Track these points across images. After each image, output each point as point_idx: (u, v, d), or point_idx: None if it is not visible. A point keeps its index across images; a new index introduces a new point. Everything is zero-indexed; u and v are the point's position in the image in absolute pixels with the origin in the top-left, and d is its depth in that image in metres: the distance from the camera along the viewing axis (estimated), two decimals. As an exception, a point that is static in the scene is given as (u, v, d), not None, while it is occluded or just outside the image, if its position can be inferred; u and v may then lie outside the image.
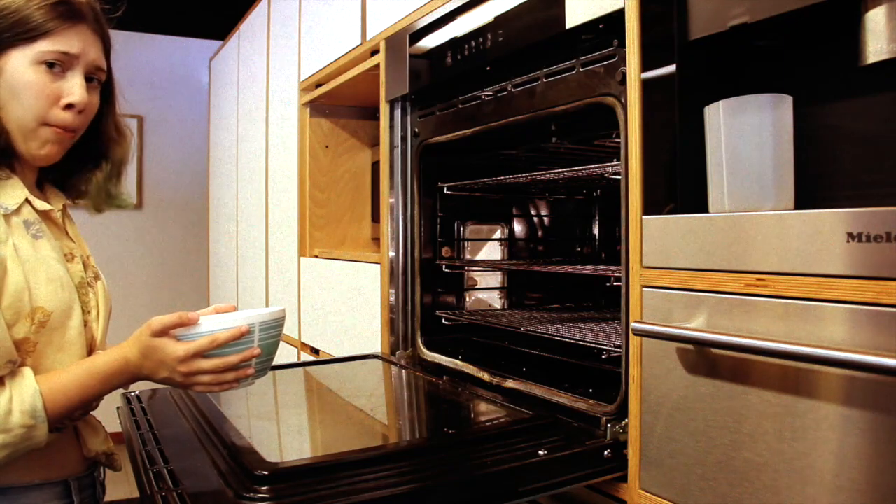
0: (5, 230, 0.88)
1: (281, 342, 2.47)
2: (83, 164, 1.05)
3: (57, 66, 0.92)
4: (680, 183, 0.89)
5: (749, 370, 0.77)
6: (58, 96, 0.92)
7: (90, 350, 0.98)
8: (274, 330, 0.94)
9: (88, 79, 0.96)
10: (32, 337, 0.89)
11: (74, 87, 0.93)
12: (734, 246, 0.78)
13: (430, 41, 1.44)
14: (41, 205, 0.96)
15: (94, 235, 1.16)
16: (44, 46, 0.90)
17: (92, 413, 1.03)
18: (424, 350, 1.54)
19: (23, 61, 0.90)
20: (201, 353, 0.88)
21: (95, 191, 1.07)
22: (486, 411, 1.21)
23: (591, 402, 1.06)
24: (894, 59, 0.71)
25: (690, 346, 0.83)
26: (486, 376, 1.30)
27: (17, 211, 0.92)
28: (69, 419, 0.95)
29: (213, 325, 0.89)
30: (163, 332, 0.89)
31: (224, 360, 0.89)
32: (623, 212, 0.95)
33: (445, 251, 1.65)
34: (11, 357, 0.85)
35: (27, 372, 0.87)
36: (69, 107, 0.93)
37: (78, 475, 0.99)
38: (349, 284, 1.89)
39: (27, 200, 0.94)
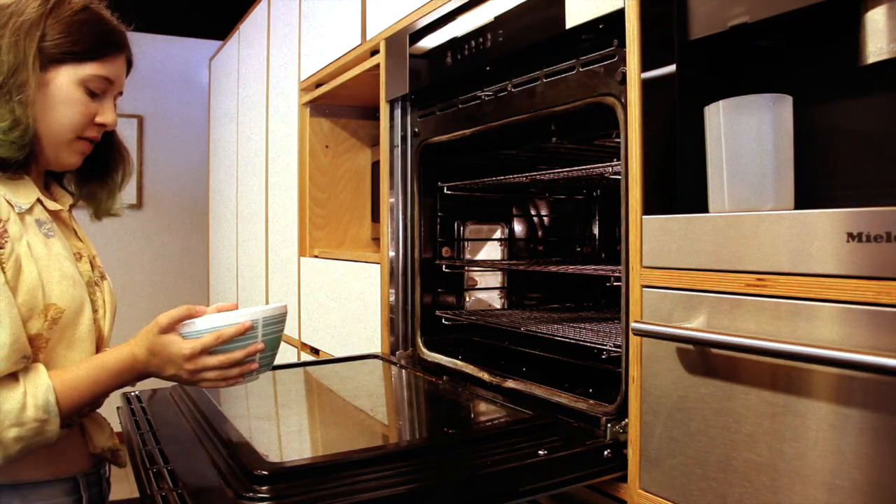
0: (20, 228, 0.90)
1: (281, 341, 2.46)
2: (94, 172, 1.10)
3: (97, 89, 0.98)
4: (680, 183, 0.89)
5: (749, 370, 0.77)
6: (93, 115, 0.99)
7: (98, 347, 1.00)
8: (277, 325, 0.95)
9: None
10: (45, 333, 0.91)
11: (108, 110, 1.00)
12: (734, 246, 0.78)
13: (430, 41, 1.44)
14: (52, 205, 0.99)
15: (94, 235, 1.17)
16: (91, 70, 0.96)
17: (97, 411, 1.04)
18: (424, 350, 1.54)
19: (70, 79, 0.95)
20: (207, 350, 0.90)
21: (102, 201, 1.11)
22: (486, 411, 1.21)
23: (591, 402, 1.06)
24: (894, 59, 0.71)
25: (690, 346, 0.83)
26: (486, 376, 1.30)
27: (30, 210, 0.94)
28: (78, 415, 0.96)
29: (217, 321, 0.91)
30: (171, 327, 0.91)
31: (229, 356, 0.91)
32: (623, 212, 0.95)
33: (445, 251, 1.65)
34: (26, 352, 0.87)
35: (40, 367, 0.89)
36: (100, 125, 1.00)
37: (86, 472, 1.01)
38: (349, 284, 1.90)
39: (39, 200, 0.96)
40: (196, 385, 0.94)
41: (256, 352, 0.92)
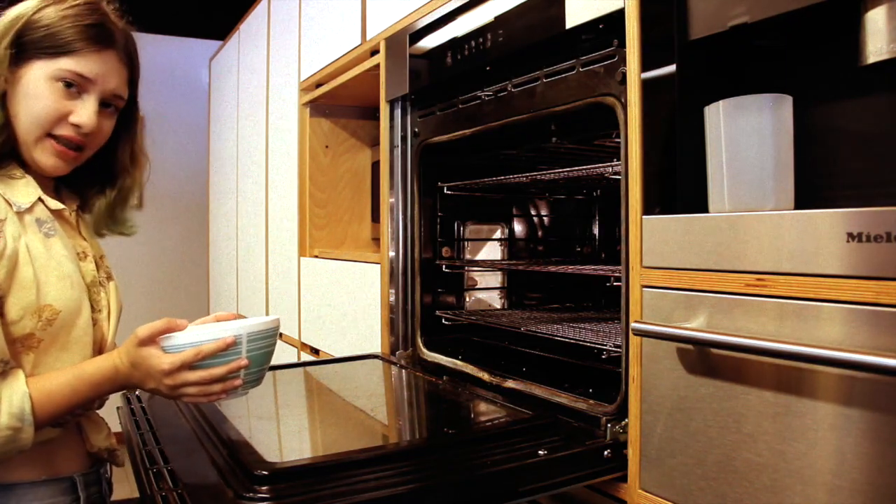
0: (18, 228, 0.89)
1: (280, 344, 2.46)
2: (91, 184, 1.07)
3: (73, 86, 0.93)
4: (680, 183, 0.89)
5: (749, 370, 0.77)
6: (68, 113, 0.94)
7: (100, 349, 0.99)
8: (264, 340, 0.91)
9: (105, 104, 0.98)
10: (38, 333, 0.90)
11: (84, 110, 0.94)
12: (734, 246, 0.78)
13: (430, 41, 1.44)
14: (54, 204, 0.98)
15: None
16: (64, 64, 0.92)
17: (96, 411, 1.04)
18: (424, 350, 1.54)
19: (41, 74, 0.92)
20: (187, 366, 0.86)
21: (98, 215, 1.08)
22: (486, 411, 1.20)
23: (590, 402, 1.06)
24: (894, 59, 0.71)
25: (690, 346, 0.83)
26: (486, 376, 1.30)
27: (30, 209, 0.93)
28: (61, 420, 0.95)
29: (198, 336, 0.87)
30: (150, 339, 0.88)
31: (210, 371, 0.87)
32: (623, 212, 0.95)
33: (445, 251, 1.65)
34: (3, 357, 0.86)
35: (19, 374, 0.87)
36: (75, 126, 0.94)
37: (84, 472, 1.00)
38: (349, 284, 1.89)
39: (40, 199, 0.95)
40: (177, 400, 0.91)
41: (240, 368, 0.88)
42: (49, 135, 0.94)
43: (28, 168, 0.96)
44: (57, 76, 0.92)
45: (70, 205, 1.03)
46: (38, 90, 0.92)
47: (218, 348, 0.87)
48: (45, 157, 0.95)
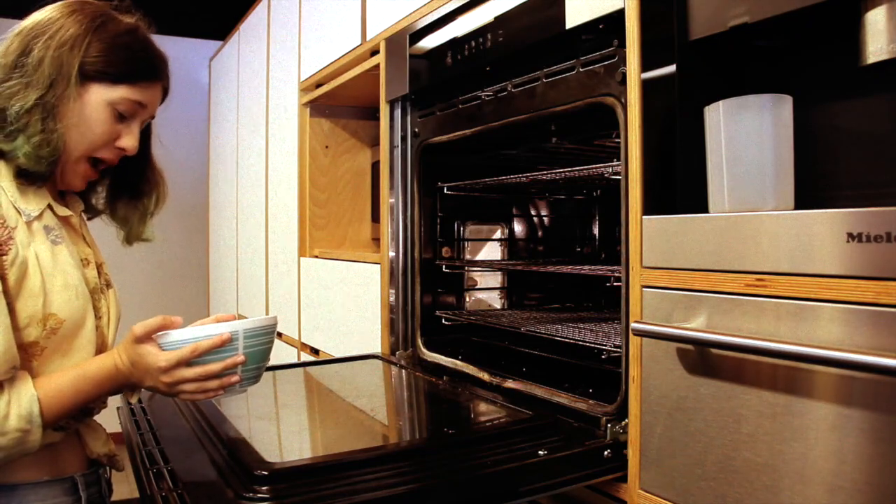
0: (28, 236, 0.90)
1: (280, 344, 2.46)
2: (126, 195, 1.11)
3: (126, 112, 0.97)
4: (680, 183, 0.89)
5: (749, 370, 0.77)
6: (115, 137, 0.98)
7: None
8: (261, 338, 0.93)
9: None
10: (41, 342, 0.90)
11: (131, 136, 0.99)
12: (734, 246, 0.78)
13: (431, 41, 1.44)
14: (62, 210, 0.99)
15: (95, 234, 1.18)
16: (124, 93, 0.95)
17: (93, 417, 1.04)
18: (424, 350, 1.54)
19: (100, 98, 0.94)
20: (184, 362, 0.88)
21: (130, 228, 1.12)
22: (486, 411, 1.20)
23: (591, 402, 1.06)
24: (894, 59, 0.71)
25: (690, 347, 0.83)
26: (485, 376, 1.30)
27: (39, 217, 0.93)
28: (66, 421, 0.95)
29: (195, 333, 0.89)
30: (146, 336, 0.89)
31: (206, 368, 0.88)
32: (623, 212, 0.95)
33: (445, 251, 1.65)
34: (15, 363, 0.86)
35: (26, 376, 0.88)
36: (119, 149, 0.99)
37: (84, 472, 1.00)
38: (349, 284, 1.90)
39: (49, 206, 0.96)
40: (176, 397, 0.92)
41: (236, 364, 0.90)
42: (89, 157, 0.97)
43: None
44: (115, 103, 0.95)
45: (76, 209, 1.04)
46: (96, 115, 0.94)
47: (214, 345, 0.88)
48: (75, 177, 0.98)
